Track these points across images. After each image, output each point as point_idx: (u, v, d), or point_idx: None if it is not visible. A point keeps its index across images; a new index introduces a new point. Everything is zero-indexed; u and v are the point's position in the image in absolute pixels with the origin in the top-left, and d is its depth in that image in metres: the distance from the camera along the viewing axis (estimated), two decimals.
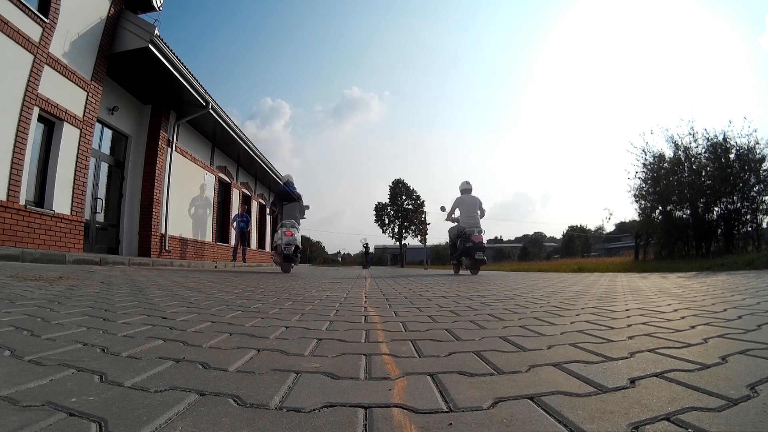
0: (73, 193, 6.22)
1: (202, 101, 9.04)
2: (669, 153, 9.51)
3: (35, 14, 5.47)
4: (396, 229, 46.78)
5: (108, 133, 8.13)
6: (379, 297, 2.43)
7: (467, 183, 6.86)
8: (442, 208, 7.23)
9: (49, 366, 0.78)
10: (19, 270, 3.34)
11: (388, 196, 47.87)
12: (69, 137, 6.18)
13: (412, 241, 47.65)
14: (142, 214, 8.64)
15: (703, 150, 8.79)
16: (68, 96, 6.11)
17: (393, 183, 48.09)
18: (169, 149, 9.35)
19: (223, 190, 13.86)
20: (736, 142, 8.23)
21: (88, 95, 6.60)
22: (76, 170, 6.30)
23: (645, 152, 9.81)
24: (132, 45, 6.97)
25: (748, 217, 8.19)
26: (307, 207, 6.89)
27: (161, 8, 7.88)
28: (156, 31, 6.82)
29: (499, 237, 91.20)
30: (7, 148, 5.09)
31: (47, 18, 5.69)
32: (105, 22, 6.83)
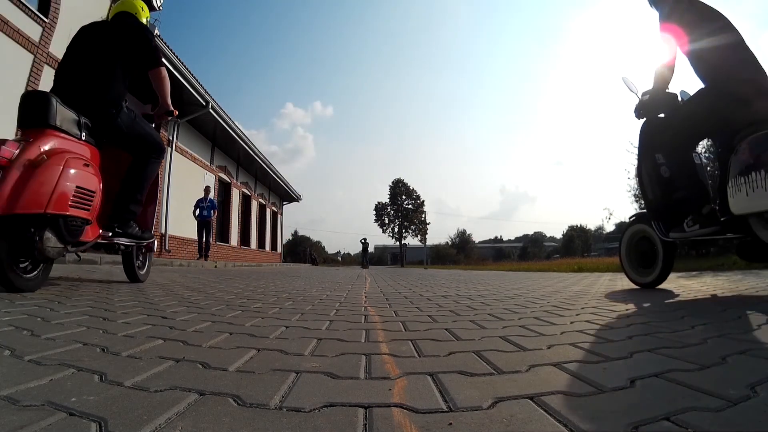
0: None
1: (202, 101, 9.05)
2: None
3: (35, 14, 5.48)
4: (396, 229, 46.84)
5: None
6: (379, 297, 2.43)
7: None
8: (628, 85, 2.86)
9: (49, 366, 0.78)
10: None
11: (388, 196, 47.96)
12: None
13: (412, 240, 47.74)
14: None
15: (704, 150, 8.81)
16: None
17: (393, 183, 48.20)
18: (169, 149, 9.35)
19: (223, 190, 13.87)
20: None
21: None
22: None
23: None
24: None
25: None
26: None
27: (161, 8, 7.88)
28: (156, 31, 6.82)
29: (499, 237, 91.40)
30: None
31: (47, 18, 5.69)
32: None
